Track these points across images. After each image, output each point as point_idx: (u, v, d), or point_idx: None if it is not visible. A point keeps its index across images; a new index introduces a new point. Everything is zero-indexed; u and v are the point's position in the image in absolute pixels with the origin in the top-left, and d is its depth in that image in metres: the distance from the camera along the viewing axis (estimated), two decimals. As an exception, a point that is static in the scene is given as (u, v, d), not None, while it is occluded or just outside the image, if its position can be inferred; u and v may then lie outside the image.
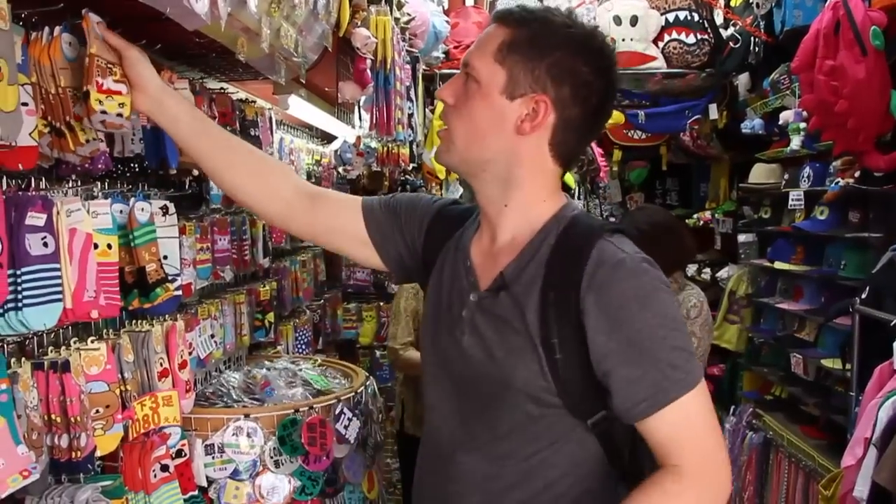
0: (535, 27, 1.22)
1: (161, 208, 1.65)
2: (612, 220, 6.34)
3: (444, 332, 1.33)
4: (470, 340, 1.26)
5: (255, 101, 2.35)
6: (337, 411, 1.95)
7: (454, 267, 1.36)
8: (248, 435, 1.83)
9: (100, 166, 1.48)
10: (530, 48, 1.21)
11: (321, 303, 3.81)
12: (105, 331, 1.57)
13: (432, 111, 4.16)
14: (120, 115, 1.34)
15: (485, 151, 1.25)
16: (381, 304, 4.42)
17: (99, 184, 1.56)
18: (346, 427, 1.94)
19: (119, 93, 1.34)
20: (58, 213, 1.30)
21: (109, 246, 1.45)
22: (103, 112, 1.31)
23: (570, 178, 3.68)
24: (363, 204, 1.47)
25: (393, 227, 1.45)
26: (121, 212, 1.53)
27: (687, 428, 1.17)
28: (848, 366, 2.92)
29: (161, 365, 1.65)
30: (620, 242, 1.22)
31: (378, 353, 4.40)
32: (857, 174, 3.24)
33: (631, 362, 1.15)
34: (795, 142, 3.69)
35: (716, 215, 5.41)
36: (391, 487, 3.95)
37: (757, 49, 4.07)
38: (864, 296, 2.80)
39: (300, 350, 3.09)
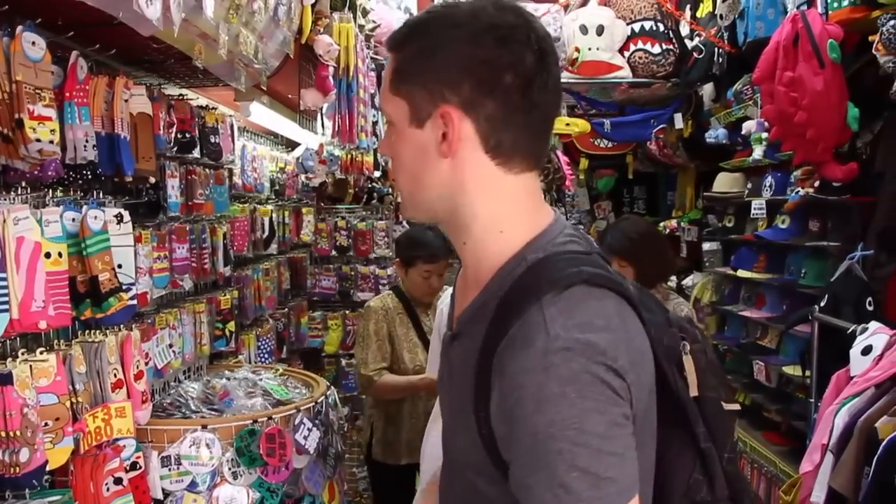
0: (415, 38, 1.06)
1: (115, 216, 1.62)
2: (581, 227, 6.35)
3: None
4: (446, 381, 1.15)
5: (216, 108, 2.32)
6: (296, 421, 1.93)
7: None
8: (206, 446, 1.80)
9: (50, 173, 1.45)
10: (416, 63, 1.04)
11: (285, 311, 3.77)
12: (56, 341, 1.53)
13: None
14: (52, 141, 1.33)
15: (426, 192, 1.09)
16: (347, 312, 4.39)
17: (50, 191, 1.53)
18: (305, 437, 1.92)
19: (49, 118, 1.33)
20: (4, 221, 1.27)
21: (60, 255, 1.42)
22: (38, 140, 1.29)
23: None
24: None
25: None
26: (73, 220, 1.50)
27: None
28: (807, 373, 2.96)
29: (115, 376, 1.62)
30: (566, 308, 0.94)
31: (344, 361, 4.36)
32: (816, 184, 3.29)
33: (524, 467, 0.93)
34: (758, 151, 3.74)
35: (682, 224, 5.46)
36: (357, 496, 3.92)
37: (721, 60, 4.13)
38: (822, 304, 2.84)
39: (263, 359, 3.05)
